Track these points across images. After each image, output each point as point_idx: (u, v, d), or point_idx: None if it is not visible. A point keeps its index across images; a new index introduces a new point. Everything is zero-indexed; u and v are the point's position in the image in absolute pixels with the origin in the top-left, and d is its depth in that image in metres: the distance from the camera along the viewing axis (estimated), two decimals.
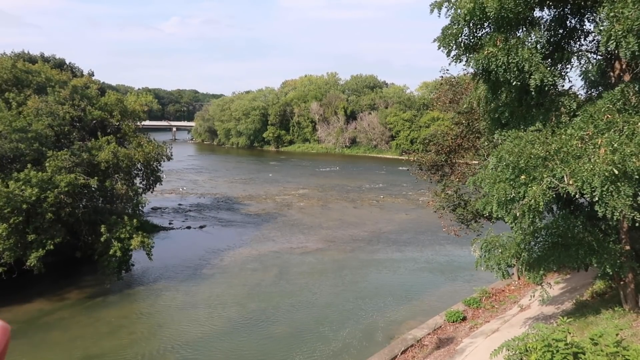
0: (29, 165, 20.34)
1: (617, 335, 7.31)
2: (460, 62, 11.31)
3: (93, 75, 41.39)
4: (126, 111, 28.58)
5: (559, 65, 11.53)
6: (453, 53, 11.13)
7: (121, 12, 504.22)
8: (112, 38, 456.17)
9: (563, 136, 9.63)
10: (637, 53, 8.82)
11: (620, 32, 8.76)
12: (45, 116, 23.22)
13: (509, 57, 10.13)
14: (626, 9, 8.69)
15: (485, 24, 10.91)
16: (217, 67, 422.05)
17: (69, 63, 40.82)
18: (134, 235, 21.31)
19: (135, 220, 22.07)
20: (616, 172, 8.17)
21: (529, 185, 9.08)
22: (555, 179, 8.91)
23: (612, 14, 8.96)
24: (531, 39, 10.70)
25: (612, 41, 8.97)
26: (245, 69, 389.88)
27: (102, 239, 20.90)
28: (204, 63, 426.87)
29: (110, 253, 20.95)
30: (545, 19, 12.17)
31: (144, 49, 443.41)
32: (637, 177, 8.32)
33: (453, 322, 17.41)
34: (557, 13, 12.12)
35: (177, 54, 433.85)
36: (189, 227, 34.27)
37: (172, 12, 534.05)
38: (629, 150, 8.34)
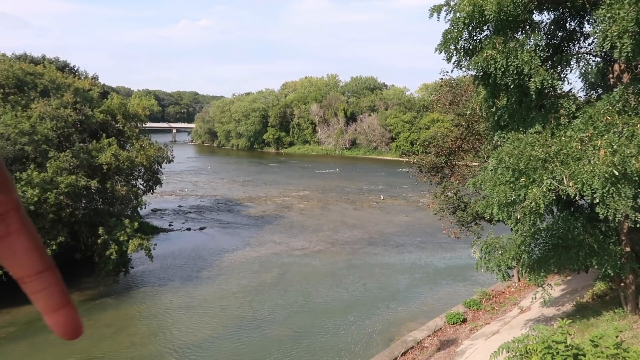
0: (31, 166, 20.39)
1: (617, 337, 7.30)
2: (461, 68, 11.36)
3: (97, 79, 41.40)
4: (129, 114, 28.65)
5: (559, 68, 11.56)
6: (454, 59, 11.18)
7: (128, 15, 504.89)
8: (118, 40, 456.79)
9: (563, 138, 9.65)
10: (630, 55, 8.85)
11: (615, 33, 8.79)
12: (49, 119, 23.31)
13: (508, 60, 10.17)
14: (622, 10, 8.73)
15: (485, 27, 10.95)
16: (221, 69, 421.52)
17: (72, 66, 40.85)
18: (132, 238, 21.26)
19: (135, 223, 22.06)
20: (616, 173, 8.19)
21: (529, 187, 9.10)
22: (555, 181, 8.92)
23: (609, 15, 8.99)
24: (530, 42, 10.73)
25: (607, 42, 9.01)
26: (249, 71, 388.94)
27: (99, 241, 20.93)
28: (207, 65, 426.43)
29: (106, 255, 20.96)
30: (544, 22, 12.20)
31: (148, 52, 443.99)
32: (637, 178, 8.34)
33: (453, 323, 17.41)
34: (556, 16, 12.16)
35: (182, 56, 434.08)
36: (188, 229, 34.25)
37: (182, 16, 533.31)
38: (628, 152, 8.35)
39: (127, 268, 22.36)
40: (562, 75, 11.57)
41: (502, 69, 10.29)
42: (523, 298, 19.48)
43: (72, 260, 22.87)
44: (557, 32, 12.38)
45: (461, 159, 21.95)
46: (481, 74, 10.97)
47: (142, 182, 28.95)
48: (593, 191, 8.44)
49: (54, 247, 19.62)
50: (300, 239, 31.79)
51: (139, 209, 27.31)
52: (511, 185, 9.44)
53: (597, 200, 8.57)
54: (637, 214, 8.88)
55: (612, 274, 11.25)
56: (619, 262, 11.14)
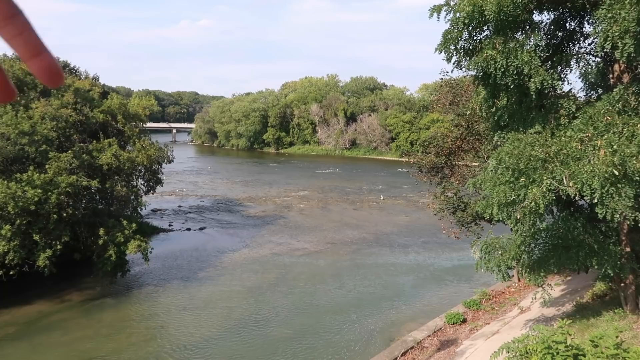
0: (31, 167, 20.39)
1: (617, 337, 7.30)
2: (461, 68, 11.38)
3: (98, 80, 41.40)
4: (129, 114, 28.68)
5: (559, 68, 11.56)
6: (454, 59, 11.18)
7: (129, 15, 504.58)
8: (118, 40, 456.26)
9: (562, 138, 9.65)
10: (632, 55, 8.84)
11: (617, 34, 8.78)
12: (49, 120, 23.33)
13: (508, 60, 10.17)
14: (623, 10, 8.72)
15: (485, 28, 10.95)
16: (221, 69, 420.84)
17: (73, 66, 40.83)
18: (130, 240, 21.16)
19: (133, 224, 21.97)
20: (616, 173, 8.19)
21: (529, 187, 9.10)
22: (555, 181, 8.92)
23: (609, 15, 8.98)
24: (530, 42, 10.74)
25: (608, 42, 9.00)
26: (249, 71, 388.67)
27: (100, 242, 20.92)
28: (207, 65, 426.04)
29: (105, 256, 20.95)
30: (544, 22, 12.21)
31: (148, 52, 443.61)
32: (637, 178, 8.34)
33: (453, 324, 17.41)
34: (556, 16, 12.16)
35: (182, 56, 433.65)
36: (188, 229, 34.25)
37: (183, 16, 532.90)
38: (629, 152, 8.35)
39: (124, 270, 22.31)
40: (562, 76, 11.58)
41: (502, 69, 10.29)
42: (523, 298, 19.48)
43: (71, 260, 22.88)
44: (557, 32, 12.39)
45: (461, 159, 21.95)
46: (481, 74, 10.97)
47: (142, 182, 29.00)
48: (593, 191, 8.44)
49: (59, 246, 19.60)
50: (301, 239, 31.79)
51: (139, 209, 27.34)
52: (511, 185, 9.44)
53: (597, 200, 8.57)
54: (637, 213, 8.88)
55: (612, 274, 11.25)
56: (619, 262, 11.14)
